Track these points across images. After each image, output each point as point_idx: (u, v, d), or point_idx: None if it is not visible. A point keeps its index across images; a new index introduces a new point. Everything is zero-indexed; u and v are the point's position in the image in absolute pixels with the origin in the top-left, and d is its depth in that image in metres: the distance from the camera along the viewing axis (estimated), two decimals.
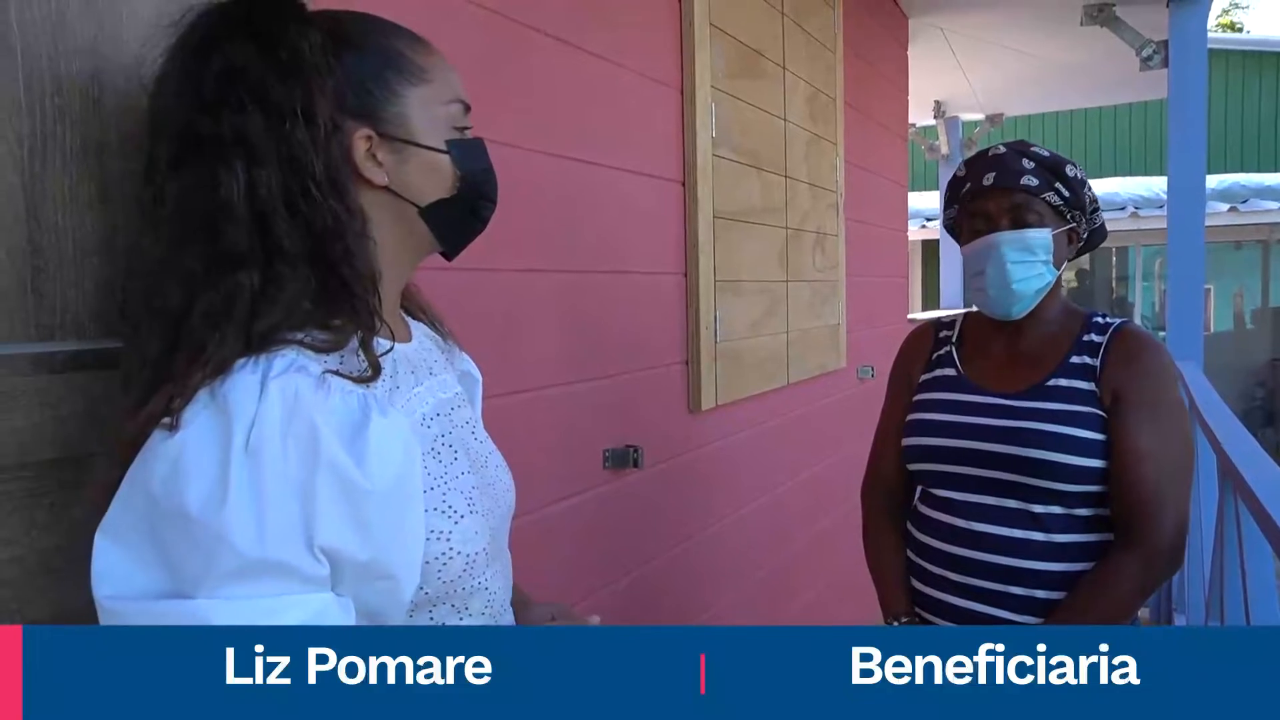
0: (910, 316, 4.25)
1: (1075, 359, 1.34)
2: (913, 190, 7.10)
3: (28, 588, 0.76)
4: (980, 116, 6.27)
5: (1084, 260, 9.86)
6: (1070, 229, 1.38)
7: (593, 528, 1.72)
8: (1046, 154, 1.36)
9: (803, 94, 2.70)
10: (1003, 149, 1.38)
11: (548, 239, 1.60)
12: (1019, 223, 1.34)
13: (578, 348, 1.68)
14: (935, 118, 6.03)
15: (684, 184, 2.03)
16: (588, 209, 1.71)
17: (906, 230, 4.11)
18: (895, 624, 1.43)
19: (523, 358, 1.53)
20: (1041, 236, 1.33)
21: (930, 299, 9.34)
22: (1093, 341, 1.35)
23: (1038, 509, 1.31)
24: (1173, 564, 1.27)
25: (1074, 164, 1.38)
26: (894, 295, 3.93)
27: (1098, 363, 1.33)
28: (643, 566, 1.90)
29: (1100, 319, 1.38)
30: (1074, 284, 10.09)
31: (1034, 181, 1.33)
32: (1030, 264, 1.34)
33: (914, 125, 6.19)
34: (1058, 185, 1.34)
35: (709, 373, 2.10)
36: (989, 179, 1.36)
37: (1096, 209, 1.43)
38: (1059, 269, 1.36)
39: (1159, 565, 1.26)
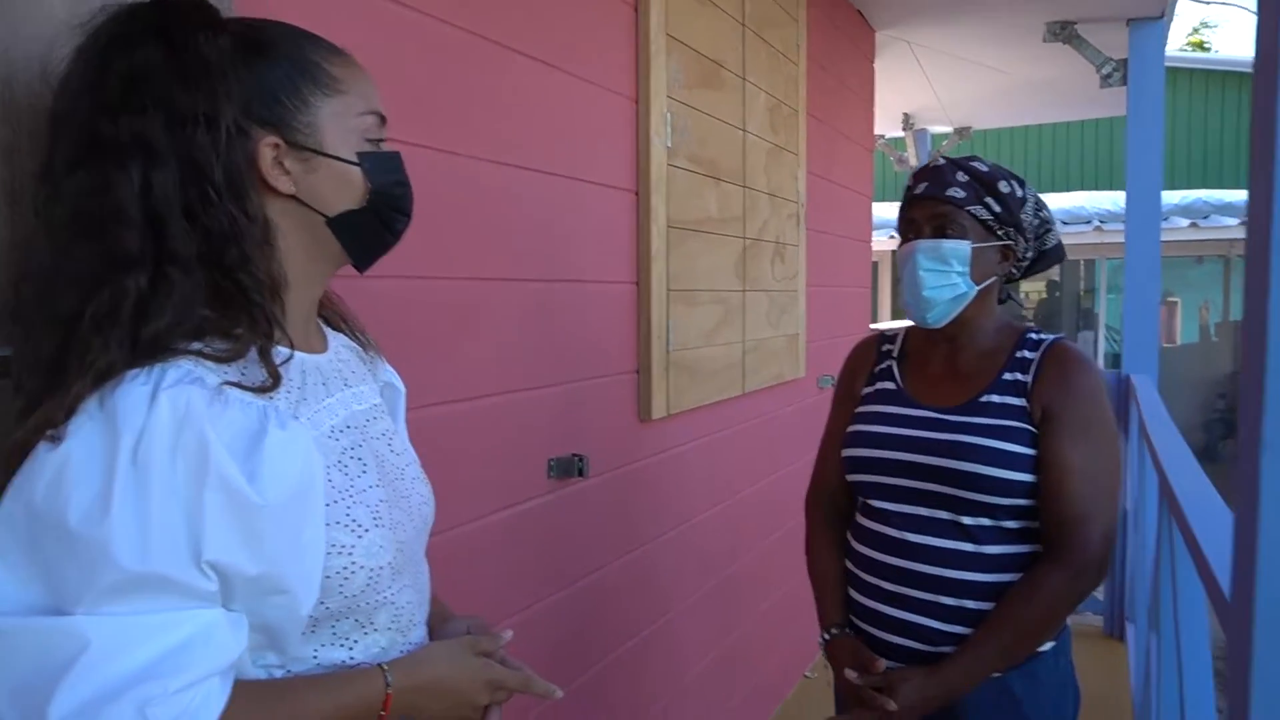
0: (873, 326, 4.28)
1: (1008, 375, 1.36)
2: (882, 201, 7.15)
3: None
4: (949, 129, 6.34)
5: (1054, 272, 9.99)
6: (1004, 246, 1.39)
7: (535, 538, 1.72)
8: (985, 169, 1.38)
9: (764, 105, 2.72)
10: (943, 161, 1.41)
11: (494, 247, 1.59)
12: (939, 232, 1.36)
13: (524, 356, 1.68)
14: (904, 130, 6.08)
15: (637, 193, 2.03)
16: (538, 218, 1.71)
17: (870, 241, 4.14)
18: (829, 634, 1.45)
19: (466, 365, 1.53)
20: (957, 247, 1.35)
21: (899, 309, 9.43)
22: (1025, 358, 1.37)
23: (967, 520, 1.33)
24: (1099, 576, 1.29)
25: (1015, 181, 1.39)
26: (856, 305, 3.96)
27: (1029, 379, 1.35)
28: (587, 577, 1.89)
29: (1034, 335, 1.40)
30: (1043, 295, 10.22)
31: (960, 194, 1.35)
32: (944, 273, 1.35)
33: (883, 137, 6.25)
34: (987, 200, 1.35)
35: (660, 382, 2.10)
36: (921, 188, 1.39)
37: (1048, 230, 1.44)
38: (980, 283, 1.37)
39: (1085, 578, 1.28)
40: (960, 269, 1.35)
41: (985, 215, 1.36)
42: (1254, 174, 0.55)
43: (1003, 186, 1.36)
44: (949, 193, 1.35)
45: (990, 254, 1.38)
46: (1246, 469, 0.54)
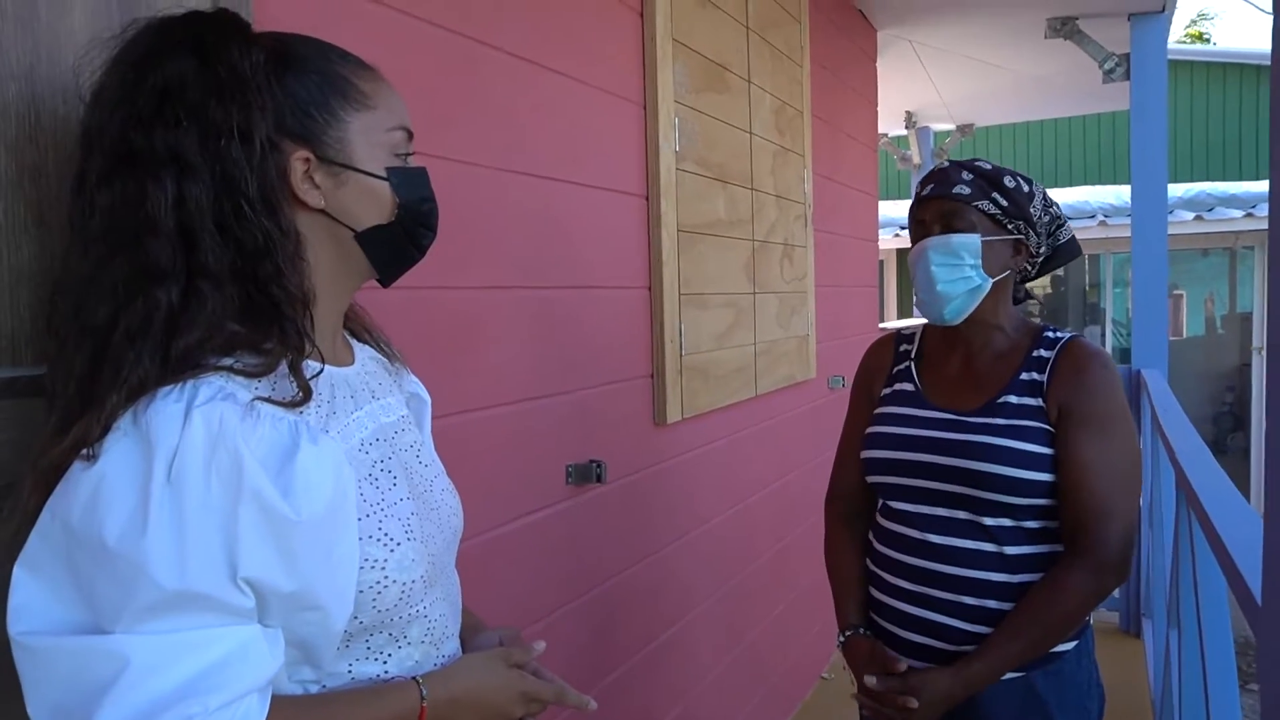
0: (882, 325, 4.27)
1: (1025, 375, 1.36)
2: (886, 199, 7.14)
3: None
4: (951, 127, 6.34)
5: (1059, 268, 9.96)
6: (1016, 240, 1.39)
7: (555, 544, 1.72)
8: (989, 167, 1.39)
9: (769, 107, 2.72)
10: (947, 163, 1.42)
11: (508, 255, 1.60)
12: (948, 229, 1.37)
13: (540, 363, 1.68)
14: (907, 128, 6.08)
15: (647, 198, 2.04)
16: (549, 225, 1.71)
17: (877, 240, 4.14)
18: (846, 635, 1.44)
19: (483, 374, 1.53)
20: (966, 240, 1.35)
21: (905, 307, 9.41)
22: (1041, 357, 1.37)
23: (988, 521, 1.33)
24: (1120, 574, 1.28)
25: (1020, 177, 1.40)
26: (864, 304, 3.96)
27: (1045, 378, 1.34)
28: (606, 582, 1.89)
29: (1051, 334, 1.40)
30: (1049, 291, 10.20)
31: (966, 190, 1.36)
32: (956, 267, 1.35)
33: (886, 135, 6.25)
34: (994, 195, 1.36)
35: (674, 386, 2.10)
36: (928, 189, 1.40)
37: (1060, 225, 1.43)
38: (995, 275, 1.37)
39: (1107, 576, 1.28)
40: (972, 261, 1.35)
41: (993, 210, 1.36)
42: (1276, 165, 0.55)
43: (1008, 181, 1.37)
44: (955, 190, 1.36)
45: (1001, 248, 1.38)
46: (1274, 471, 0.54)
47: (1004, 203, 1.36)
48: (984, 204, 1.35)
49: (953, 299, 1.36)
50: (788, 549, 2.97)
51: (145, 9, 0.91)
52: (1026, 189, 1.39)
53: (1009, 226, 1.37)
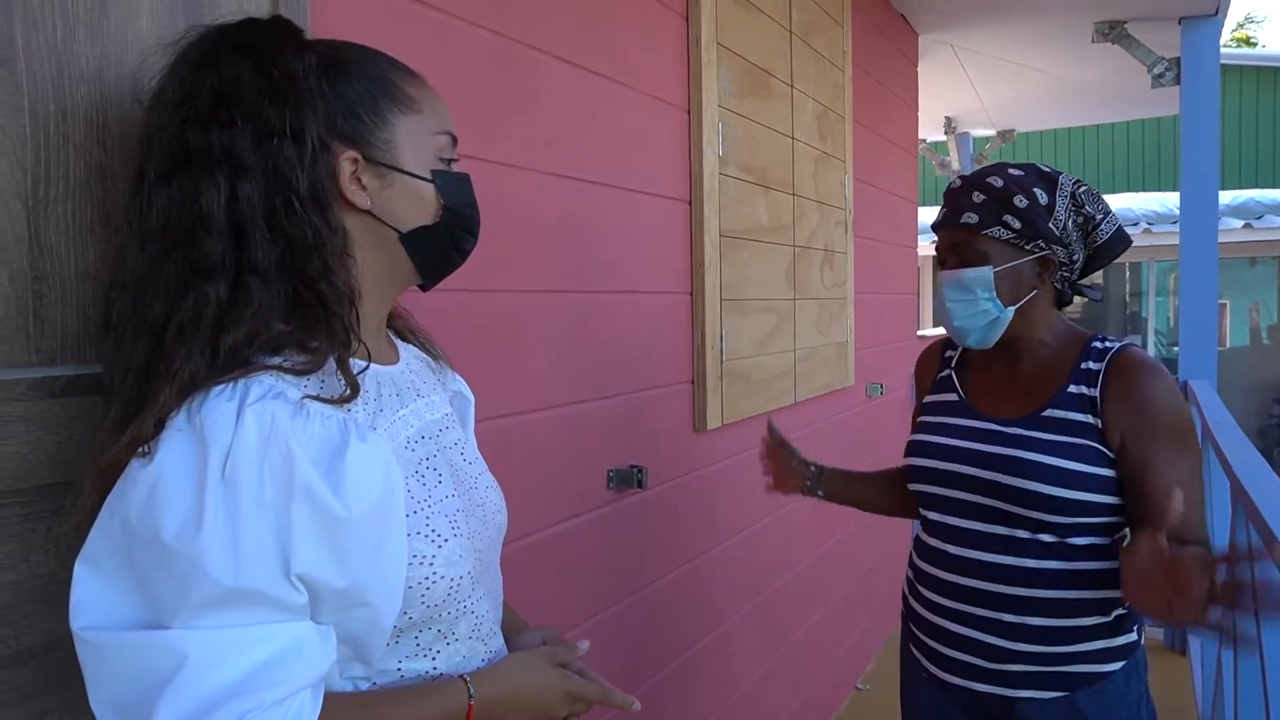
0: (920, 333, 4.23)
1: (1073, 388, 1.30)
2: (924, 205, 7.09)
3: (24, 613, 0.77)
4: (991, 132, 6.26)
5: (1098, 275, 9.77)
6: (1040, 257, 1.31)
7: (595, 549, 1.71)
8: (1000, 184, 1.30)
9: (811, 112, 2.70)
10: (959, 182, 1.35)
11: (552, 259, 1.60)
12: (961, 262, 1.32)
13: (582, 368, 1.68)
14: (946, 133, 6.02)
15: (690, 203, 2.03)
16: (592, 229, 1.71)
17: (916, 246, 4.09)
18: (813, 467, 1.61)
19: (526, 378, 1.53)
20: (978, 275, 1.30)
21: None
22: (1090, 370, 1.30)
23: (1024, 535, 1.29)
24: None
25: (1040, 188, 1.30)
26: (903, 312, 3.92)
27: (1097, 394, 1.28)
28: (646, 588, 1.89)
29: (1099, 344, 1.32)
30: (1085, 299, 10.01)
31: (974, 218, 1.30)
32: (969, 302, 1.31)
33: (925, 141, 6.18)
34: (1005, 218, 1.29)
35: (715, 392, 2.09)
36: (940, 216, 1.36)
37: (1095, 225, 1.34)
38: (1017, 301, 1.31)
39: None
40: (986, 294, 1.30)
41: (1005, 235, 1.29)
42: None
43: (1018, 201, 1.28)
44: (963, 219, 1.30)
45: (1021, 271, 1.30)
46: None
47: (1016, 225, 1.28)
48: (995, 230, 1.28)
49: (973, 331, 1.33)
50: (824, 558, 2.94)
51: (209, 14, 0.92)
52: (1045, 199, 1.29)
53: (1027, 247, 1.30)
